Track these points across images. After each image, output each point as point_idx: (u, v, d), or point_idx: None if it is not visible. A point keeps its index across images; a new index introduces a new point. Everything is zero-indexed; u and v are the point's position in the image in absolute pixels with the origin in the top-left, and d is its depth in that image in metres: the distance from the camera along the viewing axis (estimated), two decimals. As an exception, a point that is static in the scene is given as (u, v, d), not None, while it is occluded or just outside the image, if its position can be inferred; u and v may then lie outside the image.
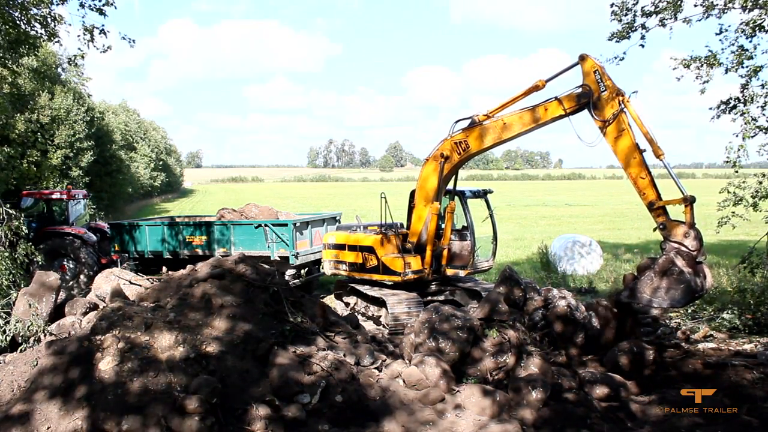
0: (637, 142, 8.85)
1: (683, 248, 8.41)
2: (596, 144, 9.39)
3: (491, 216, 12.67)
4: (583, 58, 9.34)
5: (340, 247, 12.96)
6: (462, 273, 12.22)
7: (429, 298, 12.31)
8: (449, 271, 12.18)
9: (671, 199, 8.68)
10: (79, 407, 5.79)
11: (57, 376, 6.14)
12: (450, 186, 11.94)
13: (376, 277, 12.21)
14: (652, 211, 8.84)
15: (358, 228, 13.45)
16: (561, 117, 9.72)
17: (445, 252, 11.97)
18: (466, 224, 12.19)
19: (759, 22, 10.62)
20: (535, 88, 9.94)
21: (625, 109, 8.93)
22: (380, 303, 12.12)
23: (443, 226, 11.93)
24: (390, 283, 12.03)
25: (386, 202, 12.18)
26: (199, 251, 14.81)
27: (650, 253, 20.18)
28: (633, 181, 8.98)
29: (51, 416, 5.77)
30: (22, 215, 11.86)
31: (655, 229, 8.93)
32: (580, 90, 9.40)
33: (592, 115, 9.29)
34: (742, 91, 11.21)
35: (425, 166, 11.50)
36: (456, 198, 12.17)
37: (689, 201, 8.45)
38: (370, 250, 12.28)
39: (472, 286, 12.33)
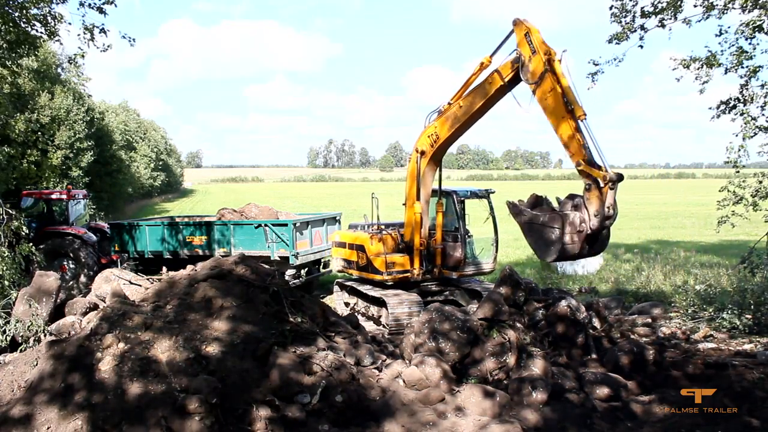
0: (573, 104, 8.40)
1: (582, 222, 8.07)
2: (530, 109, 9.08)
3: (493, 217, 12.58)
4: (515, 23, 9.13)
5: (342, 245, 13.26)
6: (454, 275, 12.13)
7: (429, 298, 12.32)
8: (445, 273, 12.14)
9: (594, 169, 8.07)
10: (79, 408, 5.78)
11: (57, 377, 6.14)
12: (436, 185, 11.92)
13: (365, 275, 12.44)
14: (580, 172, 8.38)
15: (363, 227, 13.52)
16: (504, 89, 9.52)
17: (437, 252, 11.95)
18: (456, 225, 12.09)
19: (759, 23, 10.60)
20: (482, 66, 9.89)
21: (553, 69, 8.56)
22: (381, 303, 12.14)
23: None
24: (390, 282, 12.09)
25: (377, 202, 12.40)
26: (199, 251, 14.82)
27: (650, 253, 20.19)
28: (563, 141, 8.57)
29: (51, 417, 5.76)
30: (22, 215, 11.87)
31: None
32: (514, 55, 9.24)
33: (523, 79, 9.05)
34: (741, 91, 11.20)
35: (408, 164, 11.65)
36: (448, 198, 12.11)
37: (608, 180, 7.87)
38: (361, 248, 12.48)
39: (472, 286, 12.33)
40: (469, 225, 12.56)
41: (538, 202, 8.82)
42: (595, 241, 8.20)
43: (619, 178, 7.93)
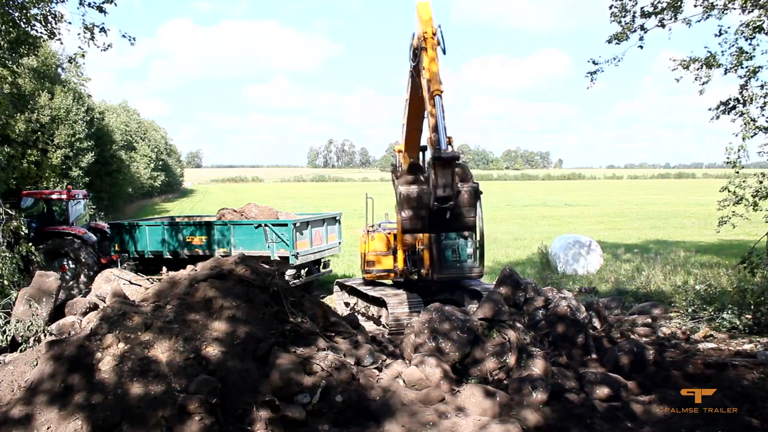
0: (432, 80, 8.15)
1: (426, 198, 7.93)
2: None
3: (480, 217, 12.31)
4: (416, 6, 8.94)
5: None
6: (435, 277, 12.06)
7: (429, 298, 12.33)
8: (430, 274, 12.14)
9: (434, 148, 7.73)
10: (79, 408, 5.79)
11: (57, 377, 6.14)
12: None
13: (362, 272, 12.92)
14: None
15: (377, 226, 13.64)
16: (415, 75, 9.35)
17: (424, 254, 11.98)
18: None
19: (759, 23, 10.61)
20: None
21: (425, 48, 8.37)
22: (381, 303, 12.16)
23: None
24: (369, 279, 12.57)
25: (372, 202, 12.62)
26: (199, 251, 14.81)
27: (650, 253, 20.19)
28: (428, 117, 8.35)
29: (51, 417, 5.77)
30: (22, 215, 11.87)
31: None
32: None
33: (411, 61, 8.96)
34: (741, 92, 11.20)
35: None
36: None
37: (436, 158, 7.46)
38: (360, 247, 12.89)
39: (472, 286, 12.32)
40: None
41: (414, 171, 8.57)
42: (444, 219, 7.92)
43: (451, 158, 7.59)
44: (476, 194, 7.75)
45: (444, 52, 8.58)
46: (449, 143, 7.79)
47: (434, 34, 8.41)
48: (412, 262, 12.06)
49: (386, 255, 12.24)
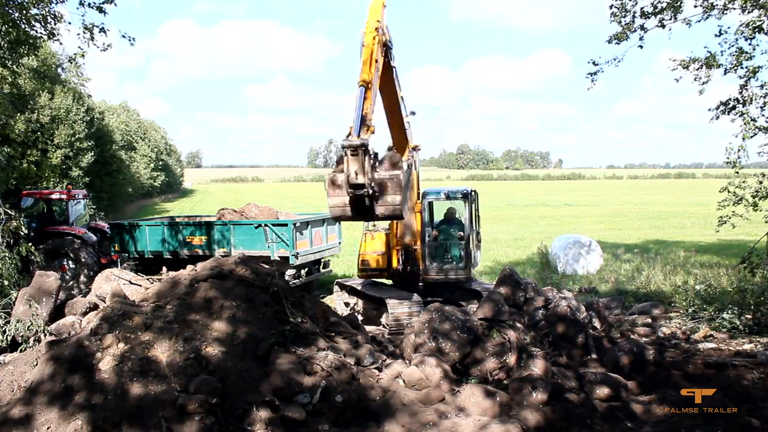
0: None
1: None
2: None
3: (467, 219, 12.12)
4: None
5: None
6: (423, 279, 12.13)
7: (430, 298, 12.33)
8: (423, 275, 12.13)
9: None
10: (79, 408, 5.79)
11: (57, 377, 6.14)
12: (426, 186, 12.14)
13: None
14: None
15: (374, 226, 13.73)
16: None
17: (417, 254, 11.99)
18: (428, 227, 12.01)
19: (758, 23, 10.61)
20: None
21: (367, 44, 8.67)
22: (381, 303, 12.17)
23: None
24: (363, 279, 12.64)
25: None
26: (199, 251, 14.79)
27: (650, 253, 20.19)
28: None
29: (51, 417, 5.77)
30: (22, 215, 11.87)
31: None
32: None
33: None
34: (741, 92, 11.20)
35: None
36: (423, 199, 12.12)
37: (343, 146, 7.51)
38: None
39: (472, 286, 12.31)
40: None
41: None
42: (365, 206, 7.83)
43: (357, 145, 7.50)
44: (399, 183, 7.66)
45: (391, 47, 9.28)
46: (369, 132, 7.86)
47: (377, 29, 8.74)
48: (406, 262, 12.08)
49: (381, 254, 12.29)
